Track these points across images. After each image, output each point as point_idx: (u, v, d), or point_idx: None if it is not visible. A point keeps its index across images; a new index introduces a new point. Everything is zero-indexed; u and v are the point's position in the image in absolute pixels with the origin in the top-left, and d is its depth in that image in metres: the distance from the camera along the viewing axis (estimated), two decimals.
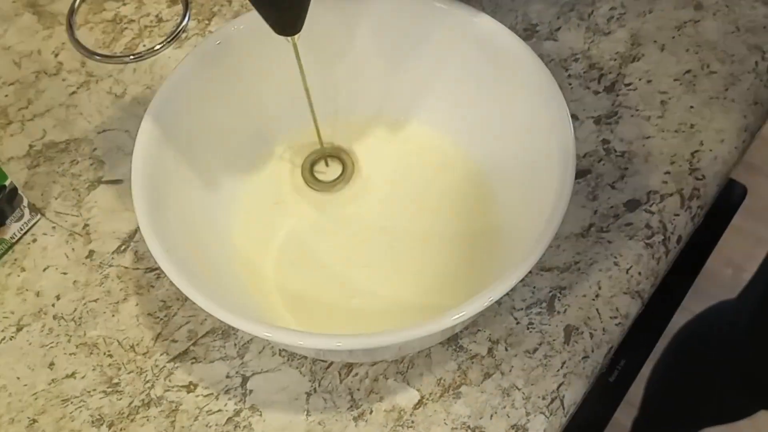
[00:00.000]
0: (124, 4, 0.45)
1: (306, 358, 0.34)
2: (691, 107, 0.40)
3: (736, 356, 0.79)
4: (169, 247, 0.29)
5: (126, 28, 0.44)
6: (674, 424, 1.08)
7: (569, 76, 0.41)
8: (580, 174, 0.38)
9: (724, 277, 1.33)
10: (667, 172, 0.38)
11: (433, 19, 0.35)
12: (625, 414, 1.18)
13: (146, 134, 0.32)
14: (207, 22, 0.44)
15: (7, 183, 0.35)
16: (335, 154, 0.38)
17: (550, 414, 0.33)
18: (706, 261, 0.45)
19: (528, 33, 0.43)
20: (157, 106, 0.32)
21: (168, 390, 0.34)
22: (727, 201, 0.44)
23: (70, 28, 0.44)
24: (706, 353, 0.87)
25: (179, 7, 0.45)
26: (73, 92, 0.42)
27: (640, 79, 0.41)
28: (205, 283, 0.29)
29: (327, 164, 0.38)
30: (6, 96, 0.42)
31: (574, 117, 0.40)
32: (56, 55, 0.44)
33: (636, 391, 1.11)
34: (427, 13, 0.35)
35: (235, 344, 0.35)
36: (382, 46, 0.36)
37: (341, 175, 0.38)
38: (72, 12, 0.45)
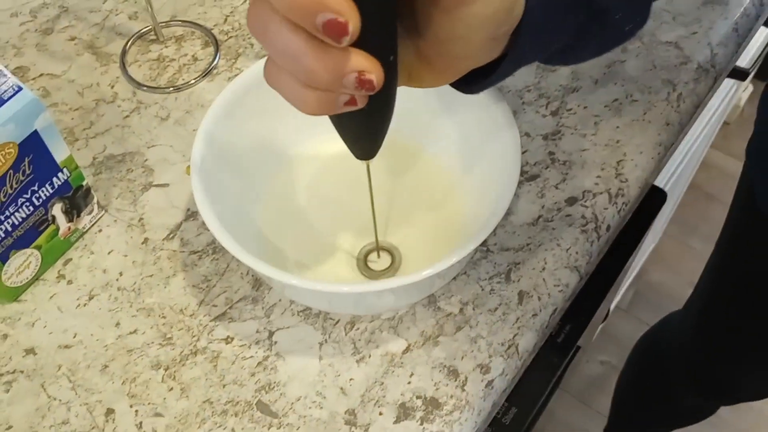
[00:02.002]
0: (166, 47, 0.56)
1: (318, 316, 0.44)
2: (617, 127, 0.51)
3: (687, 360, 0.88)
4: (220, 222, 0.38)
5: (168, 65, 0.55)
6: (641, 431, 1.15)
7: (523, 103, 0.52)
8: (531, 178, 0.49)
9: (686, 297, 1.45)
10: (599, 176, 0.49)
11: None
12: (596, 424, 1.27)
13: (202, 139, 0.42)
14: (234, 60, 0.55)
15: (83, 183, 0.45)
16: (387, 248, 0.45)
17: (508, 357, 0.42)
18: (634, 251, 0.55)
19: None
20: (211, 120, 0.42)
21: (210, 342, 0.43)
22: (652, 203, 0.55)
23: (123, 65, 0.55)
24: (661, 360, 0.96)
25: (211, 49, 0.55)
26: (127, 116, 0.52)
27: (578, 106, 0.52)
28: (246, 248, 0.38)
29: (379, 256, 0.45)
30: (72, 119, 0.52)
31: (526, 134, 0.51)
32: (112, 87, 0.54)
33: (606, 403, 1.20)
34: None
35: (263, 307, 0.44)
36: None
37: (390, 266, 0.44)
38: (124, 52, 0.55)
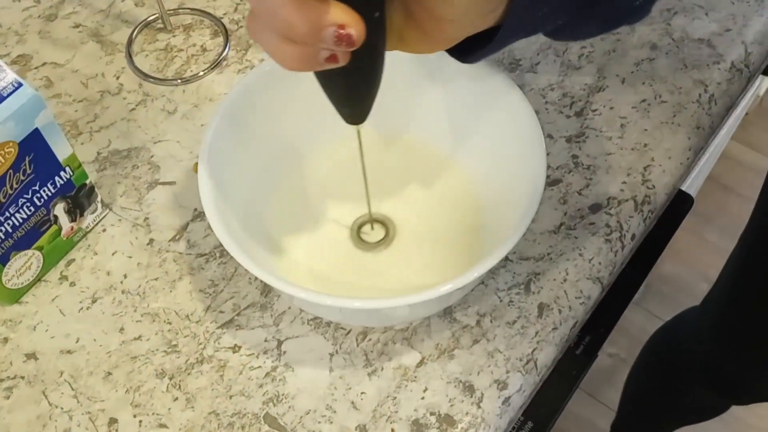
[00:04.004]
0: (174, 36, 0.54)
1: (329, 325, 0.42)
2: (645, 130, 0.49)
3: (702, 357, 0.86)
4: (228, 230, 0.37)
5: (176, 56, 0.53)
6: (651, 426, 1.14)
7: (546, 102, 0.50)
8: (553, 183, 0.47)
9: (699, 290, 1.43)
10: (624, 182, 0.47)
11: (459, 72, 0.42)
12: (604, 418, 1.26)
13: (208, 143, 0.40)
14: (244, 52, 0.53)
15: (87, 182, 0.43)
16: (381, 220, 0.44)
17: (526, 372, 0.41)
18: (659, 257, 0.53)
19: (513, 66, 0.51)
20: (223, 111, 0.40)
21: (217, 350, 0.41)
22: (678, 208, 0.53)
23: (129, 55, 0.52)
24: (675, 356, 0.94)
25: (221, 39, 0.53)
26: (133, 109, 0.50)
27: (604, 106, 0.50)
28: (255, 259, 0.37)
29: (372, 228, 0.44)
30: (76, 111, 0.50)
31: (549, 136, 0.48)
32: (117, 78, 0.52)
33: (614, 396, 1.19)
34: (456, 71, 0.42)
35: (272, 315, 0.42)
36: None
37: (384, 238, 0.44)
38: (130, 41, 0.53)
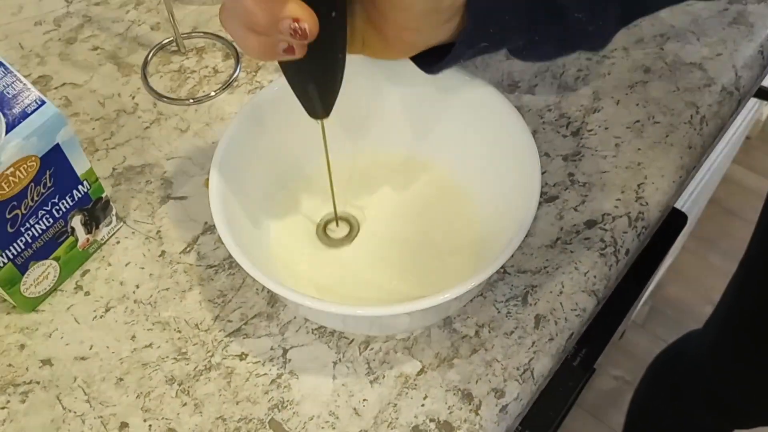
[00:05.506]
0: (188, 58, 0.56)
1: (333, 335, 0.44)
2: (639, 149, 0.50)
3: (703, 380, 0.87)
4: (237, 241, 0.38)
5: (189, 77, 0.55)
6: None
7: (543, 122, 0.52)
8: (550, 199, 0.48)
9: (704, 313, 1.43)
10: (618, 199, 0.48)
11: (443, 86, 0.44)
12: None
13: (218, 160, 0.42)
14: (254, 73, 0.55)
15: (103, 195, 0.45)
16: (345, 218, 0.46)
17: (523, 381, 0.42)
18: (654, 273, 0.55)
19: (511, 87, 0.54)
20: (227, 140, 0.42)
21: (225, 358, 0.43)
22: (672, 225, 0.54)
23: (144, 76, 0.55)
24: (678, 379, 0.95)
25: (232, 61, 0.56)
26: (147, 127, 0.53)
27: (599, 127, 0.51)
28: (262, 269, 0.38)
29: (337, 225, 0.45)
30: (93, 129, 0.52)
31: (546, 155, 0.50)
32: (133, 98, 0.54)
33: (619, 418, 1.19)
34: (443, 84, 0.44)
35: (278, 324, 0.44)
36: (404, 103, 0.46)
37: (348, 234, 0.45)
38: (145, 63, 0.56)
